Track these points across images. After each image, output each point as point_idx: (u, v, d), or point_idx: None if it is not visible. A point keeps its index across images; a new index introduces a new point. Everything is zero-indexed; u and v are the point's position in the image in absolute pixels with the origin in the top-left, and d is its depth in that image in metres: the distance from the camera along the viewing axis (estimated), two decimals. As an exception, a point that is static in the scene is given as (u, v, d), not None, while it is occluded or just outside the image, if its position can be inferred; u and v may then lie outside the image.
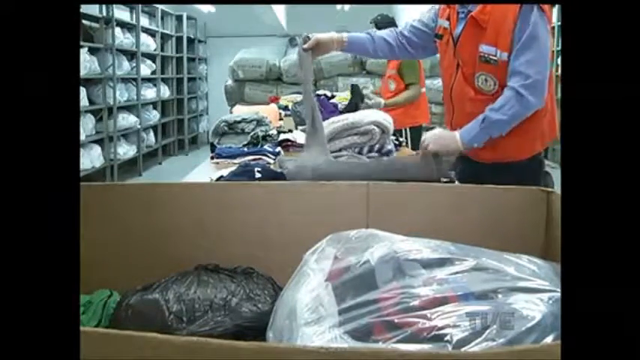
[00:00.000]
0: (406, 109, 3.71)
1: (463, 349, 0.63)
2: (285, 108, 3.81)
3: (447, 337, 0.64)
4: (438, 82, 4.51)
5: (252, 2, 6.29)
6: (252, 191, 1.17)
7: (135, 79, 6.66)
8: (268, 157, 2.31)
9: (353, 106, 3.38)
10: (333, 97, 3.94)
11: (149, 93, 7.17)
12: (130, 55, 6.60)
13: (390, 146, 2.17)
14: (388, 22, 3.82)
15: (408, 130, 3.75)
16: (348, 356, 0.58)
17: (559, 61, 6.34)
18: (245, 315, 0.91)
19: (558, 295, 0.71)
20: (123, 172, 6.31)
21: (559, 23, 6.35)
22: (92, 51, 5.53)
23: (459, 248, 0.82)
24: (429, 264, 0.77)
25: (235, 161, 2.24)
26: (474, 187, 1.17)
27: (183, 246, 1.13)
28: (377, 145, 2.13)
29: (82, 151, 5.28)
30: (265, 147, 2.44)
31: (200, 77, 9.09)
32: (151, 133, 7.32)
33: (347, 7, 7.58)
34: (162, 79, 7.71)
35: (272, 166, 2.01)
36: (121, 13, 6.51)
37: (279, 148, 2.48)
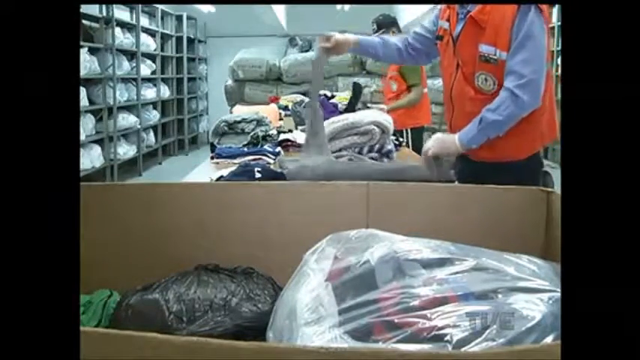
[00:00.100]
0: (408, 110, 3.70)
1: (463, 349, 0.63)
2: (285, 108, 3.81)
3: (447, 337, 0.64)
4: (438, 83, 4.51)
5: (252, 2, 6.29)
6: (252, 191, 1.17)
7: (135, 79, 6.66)
8: (268, 157, 2.31)
9: (352, 105, 3.38)
10: (333, 97, 3.94)
11: (149, 93, 7.17)
12: (130, 55, 6.60)
13: (390, 146, 2.17)
14: (390, 22, 3.81)
15: (409, 130, 3.74)
16: (348, 356, 0.58)
17: (559, 61, 6.35)
18: (245, 315, 0.91)
19: (558, 295, 0.71)
20: (123, 172, 6.31)
21: (559, 23, 6.35)
22: (92, 51, 5.53)
23: (459, 248, 0.82)
24: (429, 264, 0.77)
25: (235, 161, 2.25)
26: (474, 187, 1.17)
27: (183, 246, 1.13)
28: (377, 145, 2.13)
29: (82, 151, 5.28)
30: (265, 147, 2.45)
31: (200, 77, 9.09)
32: (151, 133, 7.32)
33: (347, 7, 7.58)
34: (163, 79, 7.71)
35: (272, 166, 2.02)
36: (121, 13, 6.51)
37: (279, 148, 2.49)
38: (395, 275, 0.75)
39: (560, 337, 0.61)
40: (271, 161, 2.25)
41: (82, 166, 5.21)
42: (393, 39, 2.03)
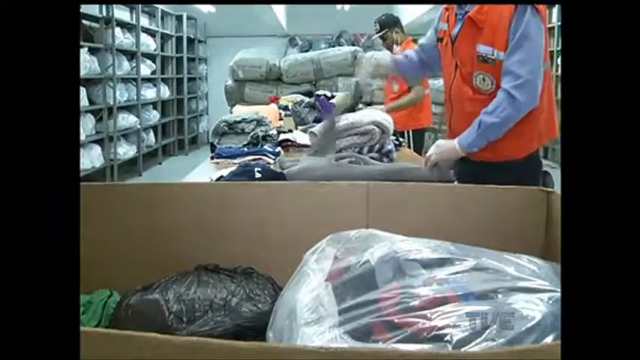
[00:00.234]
0: (409, 111, 3.67)
1: (463, 349, 0.63)
2: (285, 108, 3.81)
3: (447, 337, 0.64)
4: (438, 83, 4.50)
5: (252, 2, 6.29)
6: (252, 191, 1.17)
7: (135, 79, 6.66)
8: (268, 157, 2.31)
9: (354, 103, 3.38)
10: (333, 97, 3.94)
11: (149, 93, 7.17)
12: (130, 55, 6.60)
13: (390, 146, 2.17)
14: (393, 22, 3.81)
15: (410, 132, 3.73)
16: (348, 356, 0.58)
17: (559, 61, 6.34)
18: (245, 315, 0.91)
19: (558, 295, 0.71)
20: (123, 172, 6.31)
21: (559, 23, 6.35)
22: (92, 51, 5.53)
23: (459, 248, 0.82)
24: (429, 264, 0.77)
25: (235, 161, 2.25)
26: (474, 187, 1.17)
27: (183, 246, 1.13)
28: (377, 145, 2.13)
29: (82, 151, 5.28)
30: (265, 147, 2.44)
31: (200, 77, 9.09)
32: (151, 133, 7.32)
33: (347, 7, 7.58)
34: (163, 79, 7.71)
35: (272, 166, 2.02)
36: (121, 13, 6.51)
37: (279, 148, 2.49)
38: (395, 275, 0.75)
39: (560, 337, 0.61)
40: (271, 161, 2.25)
41: (82, 166, 5.21)
42: (410, 52, 2.07)
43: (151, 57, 7.30)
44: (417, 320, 0.66)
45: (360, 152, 2.09)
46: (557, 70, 6.18)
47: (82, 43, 5.16)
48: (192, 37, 8.66)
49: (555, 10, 6.43)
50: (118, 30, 6.05)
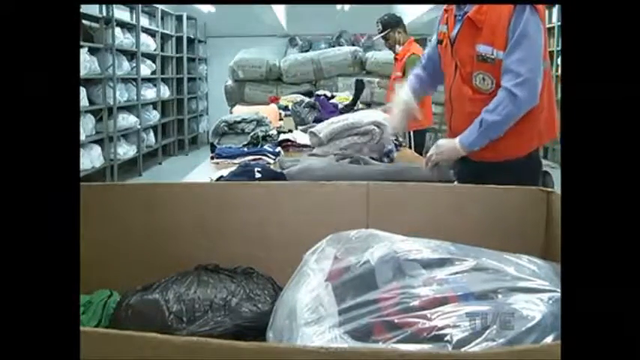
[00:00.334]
0: None
1: (463, 349, 0.63)
2: (285, 108, 3.81)
3: (447, 337, 0.64)
4: (438, 83, 4.49)
5: (252, 2, 6.29)
6: (252, 191, 1.17)
7: (135, 79, 6.66)
8: (268, 157, 2.31)
9: (352, 102, 3.37)
10: (333, 97, 3.94)
11: (149, 93, 7.17)
12: (130, 55, 6.60)
13: (390, 146, 2.17)
14: (395, 22, 3.81)
15: (411, 133, 3.73)
16: (348, 356, 0.58)
17: (559, 61, 6.34)
18: (245, 315, 0.91)
19: (558, 295, 0.71)
20: (123, 172, 6.31)
21: (559, 23, 6.35)
22: (92, 51, 5.53)
23: (459, 248, 0.82)
24: (429, 264, 0.77)
25: (235, 161, 2.25)
26: (473, 187, 1.17)
27: (183, 246, 1.13)
28: (377, 145, 2.13)
29: (82, 151, 5.28)
30: (265, 147, 2.44)
31: (200, 77, 9.08)
32: (151, 133, 7.32)
33: (347, 7, 7.57)
34: (163, 79, 7.70)
35: (272, 166, 2.02)
36: (121, 13, 6.51)
37: (279, 148, 2.49)
38: (395, 275, 0.75)
39: (560, 337, 0.61)
40: (271, 161, 2.25)
41: (82, 166, 5.20)
42: (416, 70, 2.03)
43: (151, 57, 7.29)
44: (417, 320, 0.66)
45: (359, 152, 2.09)
46: (557, 70, 6.18)
47: (82, 43, 5.16)
48: (192, 37, 8.66)
49: (555, 10, 6.43)
50: (118, 30, 6.04)
